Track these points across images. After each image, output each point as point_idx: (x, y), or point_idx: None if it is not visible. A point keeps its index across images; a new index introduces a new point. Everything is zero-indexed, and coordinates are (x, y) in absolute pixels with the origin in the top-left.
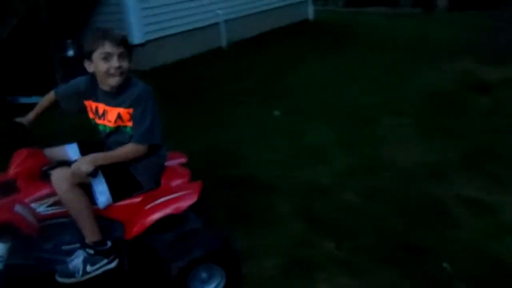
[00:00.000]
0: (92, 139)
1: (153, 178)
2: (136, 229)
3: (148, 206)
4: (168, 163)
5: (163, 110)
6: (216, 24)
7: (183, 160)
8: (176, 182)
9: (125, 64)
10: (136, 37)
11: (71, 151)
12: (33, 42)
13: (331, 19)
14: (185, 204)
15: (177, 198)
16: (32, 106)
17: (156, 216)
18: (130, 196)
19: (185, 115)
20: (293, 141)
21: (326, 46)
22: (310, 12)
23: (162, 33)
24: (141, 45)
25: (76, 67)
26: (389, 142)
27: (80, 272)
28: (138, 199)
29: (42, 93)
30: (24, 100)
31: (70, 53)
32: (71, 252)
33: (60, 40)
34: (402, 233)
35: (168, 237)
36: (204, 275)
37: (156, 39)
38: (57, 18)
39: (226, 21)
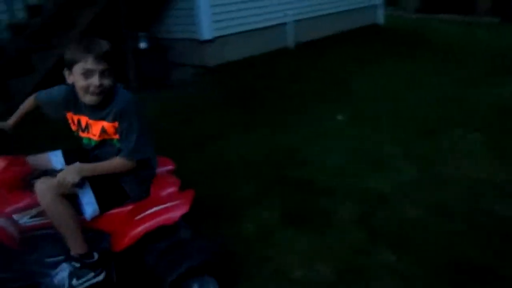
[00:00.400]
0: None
1: (143, 189)
2: (125, 241)
3: (138, 217)
4: (157, 171)
5: (225, 107)
6: (284, 24)
7: (171, 167)
8: (166, 191)
9: (107, 82)
10: (205, 33)
11: (55, 159)
12: (109, 32)
13: (401, 25)
14: (176, 214)
15: (168, 208)
16: None
17: (147, 227)
18: (118, 206)
19: (247, 114)
20: (355, 147)
21: (395, 52)
22: (380, 16)
23: (231, 30)
24: (210, 41)
25: (146, 59)
26: (456, 156)
27: (66, 286)
28: (127, 209)
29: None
30: None
31: (142, 45)
32: (55, 265)
33: (134, 32)
34: (463, 253)
35: (158, 248)
36: (195, 286)
37: (224, 36)
38: (132, 11)
39: (295, 21)
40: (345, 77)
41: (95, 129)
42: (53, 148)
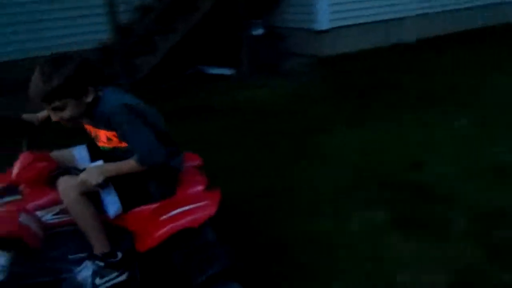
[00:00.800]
0: None
1: (166, 188)
2: (150, 242)
3: (163, 217)
4: (184, 166)
5: (335, 100)
6: (403, 18)
7: (198, 162)
8: (192, 191)
9: (66, 114)
10: (322, 23)
11: (80, 154)
12: (227, 18)
13: None
14: (203, 216)
15: (194, 209)
16: (217, 77)
17: (172, 229)
18: (139, 206)
19: (357, 109)
20: (478, 156)
21: None
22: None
23: (347, 22)
24: (325, 31)
25: (260, 46)
26: None
27: (89, 285)
28: (151, 208)
29: (229, 66)
30: (211, 70)
31: (257, 32)
32: (79, 262)
33: (250, 19)
34: None
35: (183, 250)
36: None
37: (340, 27)
38: None
39: (414, 16)
40: (468, 80)
41: (103, 137)
42: (79, 144)
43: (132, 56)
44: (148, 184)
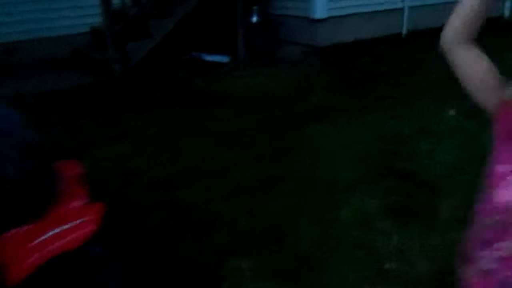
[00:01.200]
0: None
1: (37, 207)
2: (20, 273)
3: (35, 242)
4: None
5: (330, 89)
6: (400, 9)
7: (76, 171)
8: (70, 206)
9: None
10: (318, 12)
11: None
12: (223, 4)
13: None
14: (82, 235)
15: (72, 228)
16: (212, 64)
17: (46, 253)
18: (7, 230)
19: (352, 99)
20: (467, 145)
21: None
22: (506, 7)
23: (344, 12)
24: (322, 20)
25: (256, 33)
26: None
27: None
28: (19, 233)
29: (225, 53)
30: (206, 57)
31: (254, 19)
32: None
33: (247, 6)
34: None
35: (64, 275)
36: None
37: (337, 17)
38: None
39: (412, 7)
40: None
41: None
42: None
43: (125, 42)
44: (14, 205)
